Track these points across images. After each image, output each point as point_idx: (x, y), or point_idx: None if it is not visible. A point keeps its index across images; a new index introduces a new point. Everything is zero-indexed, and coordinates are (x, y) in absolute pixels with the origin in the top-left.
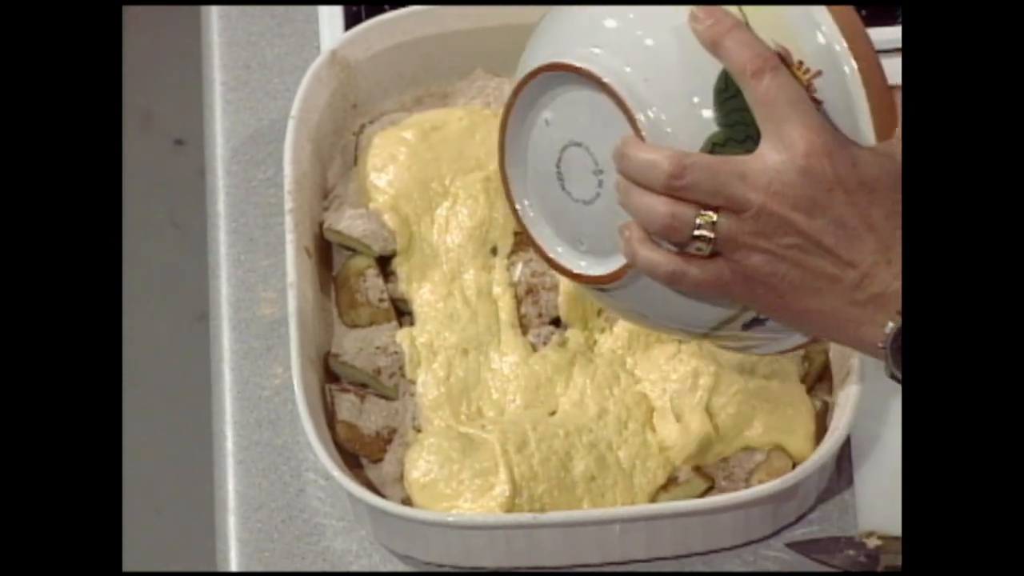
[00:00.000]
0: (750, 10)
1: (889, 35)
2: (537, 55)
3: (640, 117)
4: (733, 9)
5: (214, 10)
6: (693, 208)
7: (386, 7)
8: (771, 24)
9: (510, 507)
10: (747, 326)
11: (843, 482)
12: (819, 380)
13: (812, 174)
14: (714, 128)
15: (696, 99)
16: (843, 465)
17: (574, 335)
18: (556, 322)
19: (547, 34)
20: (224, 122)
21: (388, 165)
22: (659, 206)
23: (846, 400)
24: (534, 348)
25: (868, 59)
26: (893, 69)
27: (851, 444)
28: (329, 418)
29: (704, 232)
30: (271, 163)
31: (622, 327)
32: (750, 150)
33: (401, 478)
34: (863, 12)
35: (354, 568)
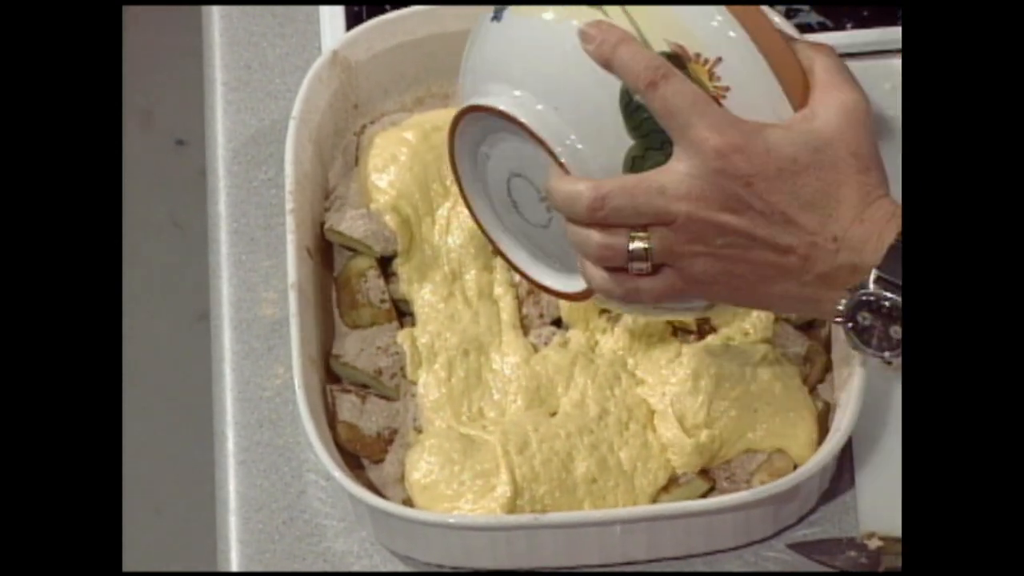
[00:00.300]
0: (638, 13)
1: (891, 35)
2: (463, 87)
3: (558, 148)
4: (622, 15)
5: (215, 10)
6: (623, 233)
7: (387, 7)
8: (662, 23)
9: (511, 508)
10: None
11: (844, 483)
12: (820, 381)
13: (727, 173)
14: (630, 142)
15: (607, 118)
16: (844, 466)
17: (575, 336)
18: (557, 323)
19: (469, 62)
20: (225, 122)
21: (389, 166)
22: (591, 237)
23: (847, 401)
24: (535, 349)
25: (764, 33)
26: (898, 69)
27: (852, 445)
28: (330, 419)
29: (639, 249)
30: (272, 163)
31: (623, 328)
32: (671, 154)
33: (402, 479)
34: (865, 12)
35: (355, 569)
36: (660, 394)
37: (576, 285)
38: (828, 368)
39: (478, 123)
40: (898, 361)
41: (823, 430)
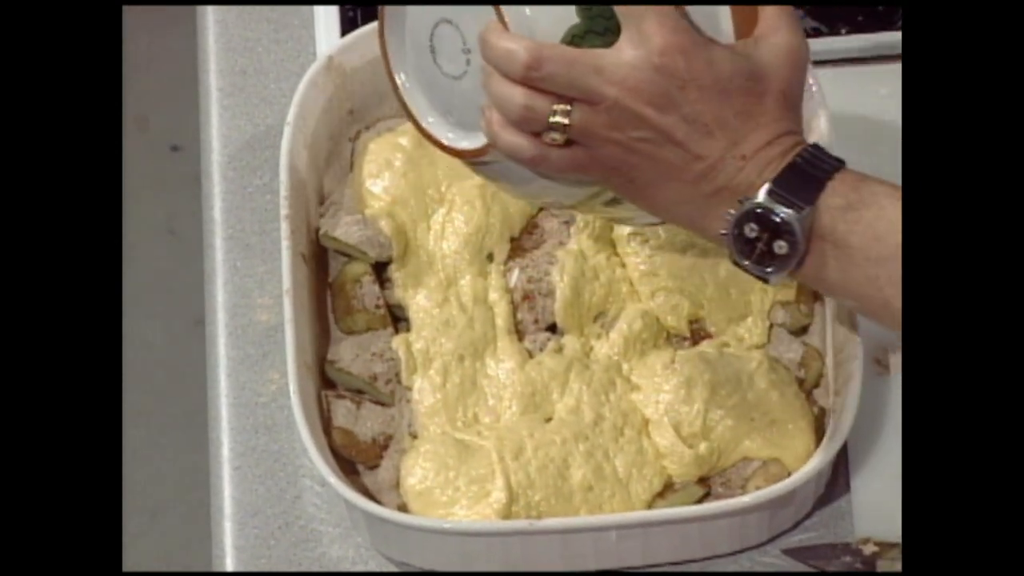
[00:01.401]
0: None
1: (886, 40)
2: None
3: (503, 5)
4: None
5: (210, 15)
6: (549, 99)
7: None
8: None
9: (507, 514)
10: (608, 203)
11: (840, 488)
12: (815, 386)
13: (666, 71)
14: (575, 19)
15: None
16: (840, 471)
17: (570, 341)
18: (552, 328)
19: None
20: (220, 128)
21: (384, 171)
22: (516, 95)
23: (843, 407)
24: (530, 354)
25: None
26: (893, 74)
27: (848, 451)
28: (325, 424)
29: (559, 122)
30: (267, 169)
31: (618, 333)
32: (609, 43)
33: (397, 485)
34: (860, 17)
35: (350, 573)
36: (654, 402)
37: (468, 142)
38: (823, 373)
39: None
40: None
41: (818, 435)
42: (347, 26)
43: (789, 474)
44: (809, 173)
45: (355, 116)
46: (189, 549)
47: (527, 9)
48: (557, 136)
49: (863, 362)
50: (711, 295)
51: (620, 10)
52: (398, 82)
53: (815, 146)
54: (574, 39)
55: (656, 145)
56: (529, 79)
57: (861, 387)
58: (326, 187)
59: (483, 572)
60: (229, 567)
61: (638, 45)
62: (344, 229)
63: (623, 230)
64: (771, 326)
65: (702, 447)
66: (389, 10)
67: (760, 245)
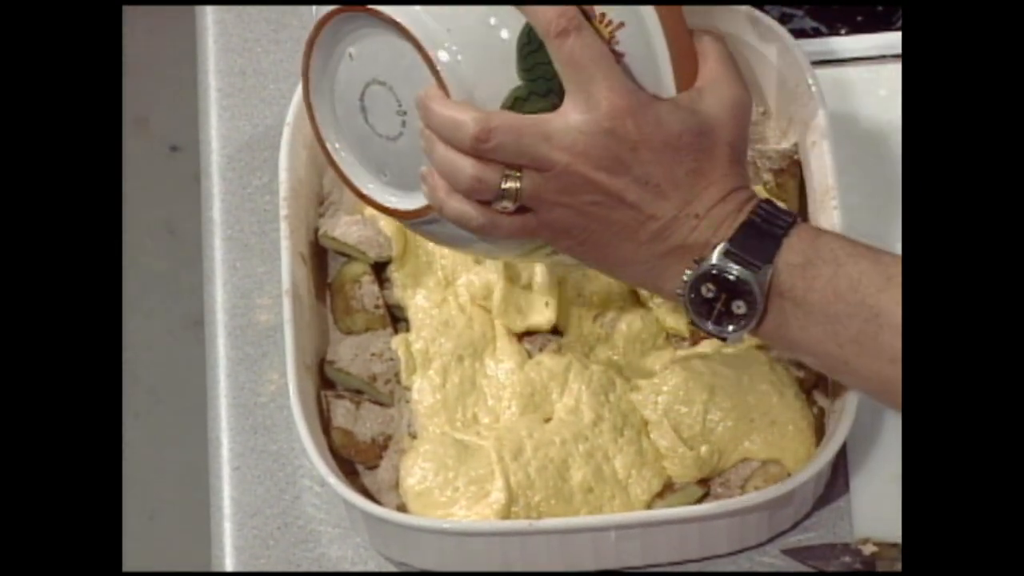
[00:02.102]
0: None
1: (885, 41)
2: None
3: (443, 71)
4: None
5: (209, 16)
6: (498, 170)
7: None
8: None
9: (506, 515)
10: (551, 253)
11: (839, 488)
12: (814, 386)
13: (616, 135)
14: (517, 82)
15: (500, 52)
16: (839, 471)
17: (569, 341)
18: (552, 328)
19: None
20: (219, 128)
21: None
22: (465, 167)
23: (842, 407)
24: (529, 354)
25: (672, 13)
26: (892, 75)
27: (847, 450)
28: (324, 425)
29: (511, 192)
30: (266, 169)
31: (618, 334)
32: (553, 104)
33: (397, 485)
34: (859, 18)
35: (349, 574)
36: (654, 402)
37: (407, 204)
38: (822, 373)
39: (356, 22)
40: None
41: (817, 435)
42: None
43: (788, 475)
44: (765, 230)
45: None
46: (188, 549)
47: (467, 72)
48: (508, 204)
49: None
50: None
51: (565, 71)
52: (330, 149)
53: (768, 202)
54: (516, 102)
55: (608, 208)
56: (478, 151)
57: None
58: (325, 187)
59: (482, 572)
60: (228, 567)
61: (586, 109)
62: (343, 229)
63: None
64: None
65: (703, 449)
66: (314, 72)
67: (718, 305)
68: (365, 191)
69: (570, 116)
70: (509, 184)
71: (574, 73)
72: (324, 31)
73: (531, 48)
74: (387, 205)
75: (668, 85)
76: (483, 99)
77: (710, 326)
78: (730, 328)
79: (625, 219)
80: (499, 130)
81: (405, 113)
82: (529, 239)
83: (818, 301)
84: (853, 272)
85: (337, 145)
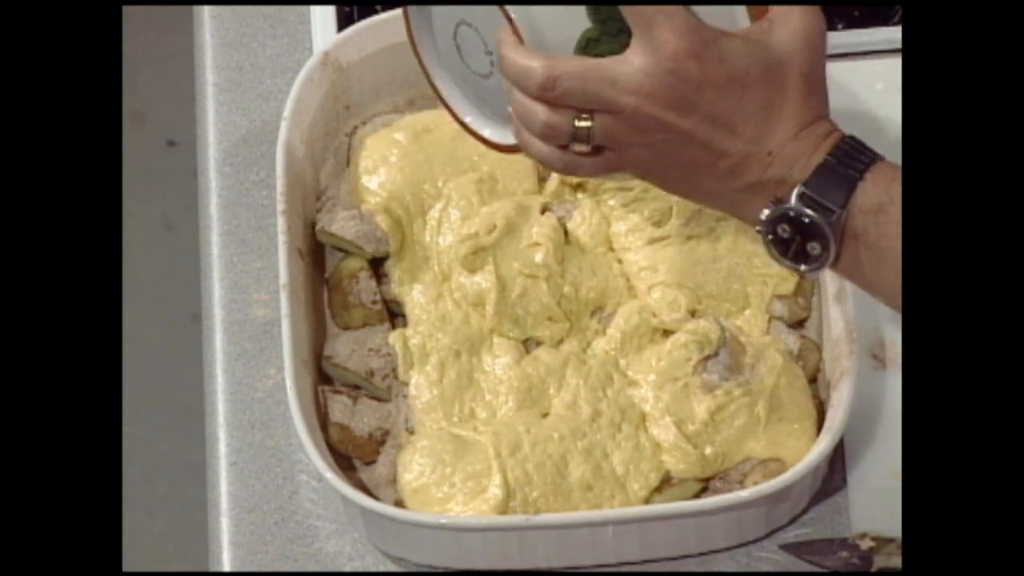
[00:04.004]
0: None
1: (883, 35)
2: None
3: (516, 14)
4: None
5: (206, 12)
6: (569, 115)
7: (378, 8)
8: None
9: (503, 510)
10: None
11: (836, 483)
12: (812, 380)
13: (680, 75)
14: (587, 23)
15: None
16: (836, 466)
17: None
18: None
19: None
20: (217, 123)
21: (380, 167)
22: (537, 112)
23: (839, 401)
24: (527, 350)
25: None
26: (889, 69)
27: (844, 445)
28: (322, 420)
29: (583, 135)
30: (264, 165)
31: (616, 329)
32: (624, 44)
33: (394, 480)
34: (856, 13)
35: (347, 570)
36: (654, 397)
37: (504, 138)
38: (819, 368)
39: None
40: (893, 358)
41: (817, 431)
42: (343, 22)
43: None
44: (840, 173)
45: (351, 111)
46: (185, 545)
47: (538, 17)
48: (583, 147)
49: (859, 357)
50: (710, 290)
51: (628, 16)
52: (436, 84)
53: (849, 139)
54: (589, 43)
55: (681, 146)
56: (546, 98)
57: (857, 382)
58: (322, 182)
59: (480, 568)
60: (226, 563)
61: (649, 52)
62: (341, 224)
63: (620, 226)
64: (769, 319)
65: (707, 449)
66: (412, 11)
67: (794, 245)
68: (466, 121)
69: (635, 59)
70: (580, 128)
71: (637, 17)
72: None
73: None
74: (486, 137)
75: (742, 18)
76: (556, 42)
77: (787, 262)
78: (805, 267)
79: (699, 156)
80: (565, 77)
81: (491, 53)
82: (612, 175)
83: (890, 247)
84: None
85: (439, 80)
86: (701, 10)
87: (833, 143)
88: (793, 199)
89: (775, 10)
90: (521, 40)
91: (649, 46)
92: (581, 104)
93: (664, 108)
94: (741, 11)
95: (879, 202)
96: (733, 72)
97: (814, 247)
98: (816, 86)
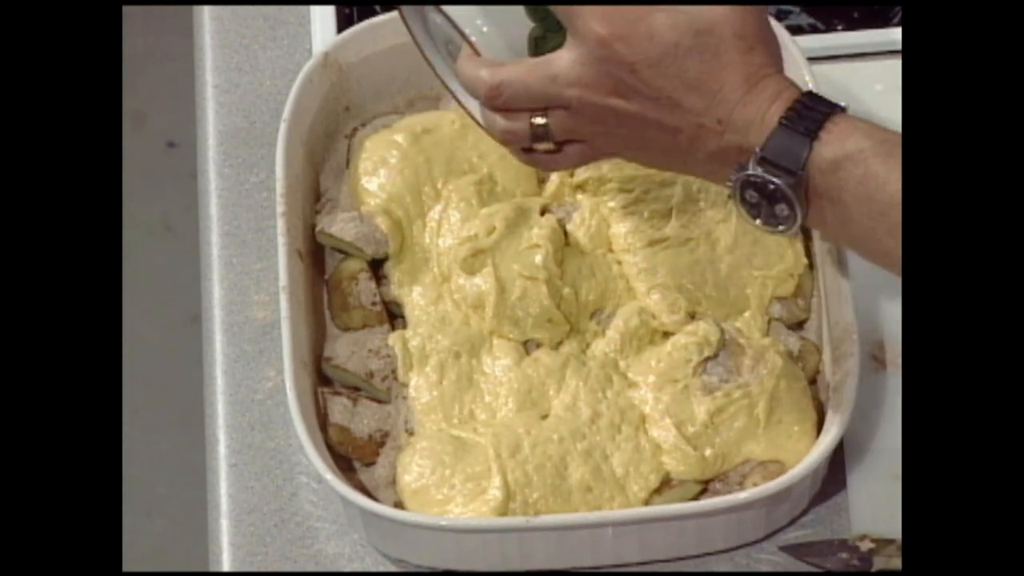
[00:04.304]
0: None
1: (882, 37)
2: None
3: (466, 29)
4: None
5: (206, 13)
6: (524, 118)
7: (378, 9)
8: None
9: (503, 512)
10: None
11: (836, 485)
12: (812, 382)
13: (612, 60)
14: (531, 24)
15: (510, 3)
16: (836, 468)
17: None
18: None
19: None
20: (216, 125)
21: (380, 168)
22: (496, 121)
23: (839, 402)
24: (527, 351)
25: None
26: (889, 71)
27: (844, 447)
28: (321, 421)
29: (540, 133)
30: (263, 166)
31: (615, 330)
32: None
33: (394, 481)
34: (855, 14)
35: (347, 571)
36: (653, 399)
37: None
38: (819, 369)
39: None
40: (894, 359)
41: (817, 433)
42: (343, 23)
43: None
44: (795, 134)
45: (351, 113)
46: (185, 546)
47: (485, 26)
48: (546, 145)
49: (860, 358)
50: (709, 292)
51: (556, 12)
52: (445, 80)
53: (803, 97)
54: (537, 42)
55: (639, 128)
56: (496, 107)
57: (858, 383)
58: (322, 184)
59: (480, 570)
60: (225, 564)
61: (580, 43)
62: (340, 226)
63: (620, 228)
64: (769, 321)
65: (707, 452)
66: (408, 16)
67: (763, 208)
68: (468, 108)
69: (569, 53)
70: (538, 127)
71: (561, 12)
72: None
73: None
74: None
75: None
76: (510, 48)
77: (760, 224)
78: (779, 228)
79: (656, 136)
80: (507, 83)
81: None
82: (595, 163)
83: (852, 201)
84: (880, 170)
85: (447, 78)
86: None
87: (786, 103)
88: (751, 165)
89: None
90: (475, 50)
91: (576, 36)
92: (530, 105)
93: (607, 95)
94: None
95: (835, 158)
96: (664, 46)
97: (782, 209)
98: (754, 42)
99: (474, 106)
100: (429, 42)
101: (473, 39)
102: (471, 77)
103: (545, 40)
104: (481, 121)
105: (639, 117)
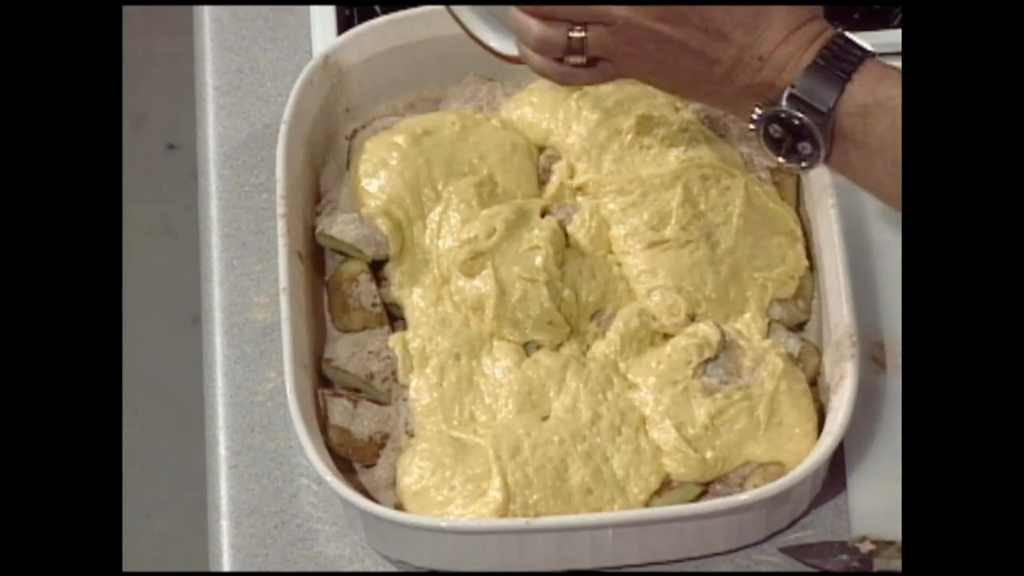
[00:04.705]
0: None
1: (882, 38)
2: None
3: None
4: None
5: (206, 15)
6: (562, 28)
7: (378, 10)
8: None
9: (503, 513)
10: None
11: (836, 487)
12: (812, 384)
13: None
14: None
15: None
16: (836, 470)
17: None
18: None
19: None
20: (217, 126)
21: (380, 170)
22: (532, 27)
23: (839, 404)
24: (527, 353)
25: None
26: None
27: (844, 449)
28: (322, 423)
29: (576, 46)
30: (264, 168)
31: (615, 332)
32: None
33: (394, 483)
34: (855, 15)
35: (346, 572)
36: (654, 400)
37: (509, 48)
38: (819, 371)
39: None
40: (894, 361)
41: (817, 435)
42: (343, 25)
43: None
44: (828, 74)
45: (351, 114)
46: (185, 548)
47: None
48: (578, 59)
49: (859, 360)
50: (709, 294)
51: None
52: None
53: (839, 37)
54: None
55: (675, 55)
56: (539, 12)
57: (857, 385)
58: (322, 185)
59: (480, 571)
60: (226, 566)
61: None
62: (340, 227)
63: (620, 229)
64: (769, 322)
65: (708, 454)
66: None
67: (785, 144)
68: (471, 29)
69: None
70: (574, 40)
71: None
72: None
73: None
74: (491, 46)
75: None
76: None
77: (781, 160)
78: (798, 164)
79: (692, 64)
80: None
81: None
82: (611, 83)
83: (877, 146)
84: None
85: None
86: None
87: (823, 44)
88: (783, 101)
89: None
90: None
91: None
92: (575, 16)
93: (656, 20)
94: None
95: (865, 103)
96: None
97: (804, 146)
98: None
99: (475, 21)
100: None
101: None
102: None
103: None
104: (491, 43)
105: (681, 44)
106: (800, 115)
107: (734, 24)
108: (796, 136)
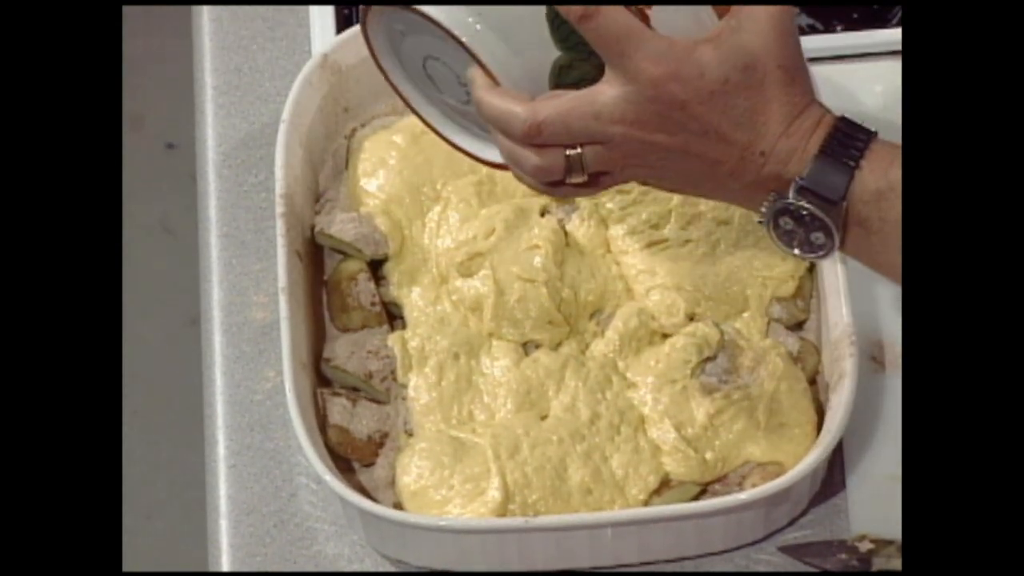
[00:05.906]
0: None
1: (882, 37)
2: None
3: (485, 57)
4: None
5: (205, 14)
6: (559, 152)
7: None
8: None
9: (502, 513)
10: None
11: (835, 485)
12: (811, 383)
13: (663, 100)
14: (556, 53)
15: (532, 28)
16: (835, 468)
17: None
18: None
19: None
20: (215, 126)
21: (379, 169)
22: (528, 157)
23: (838, 403)
24: (526, 352)
25: None
26: (888, 71)
27: (843, 447)
28: (321, 422)
29: (575, 168)
30: (262, 167)
31: (614, 331)
32: (595, 65)
33: (393, 482)
34: (855, 15)
35: (346, 572)
36: (653, 399)
37: (496, 156)
38: (818, 370)
39: (395, 8)
40: (893, 360)
41: (817, 434)
42: (342, 25)
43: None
44: (837, 164)
45: (350, 114)
46: (185, 547)
47: (506, 54)
48: (579, 178)
49: (858, 359)
50: (709, 293)
51: (598, 49)
52: (419, 112)
53: (841, 124)
54: (562, 71)
55: (677, 161)
56: (535, 143)
57: (856, 384)
58: (321, 185)
59: (479, 570)
60: (225, 565)
61: (626, 81)
62: (339, 227)
63: (619, 229)
64: (768, 321)
65: (707, 454)
66: (380, 50)
67: (798, 236)
68: (457, 142)
69: (613, 89)
70: (573, 158)
71: (607, 50)
72: (370, 14)
73: (560, 20)
74: (480, 156)
75: (707, 18)
76: (529, 75)
77: (796, 252)
78: (816, 254)
79: (695, 167)
80: (548, 122)
81: (465, 84)
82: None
83: (892, 231)
84: None
85: (421, 107)
86: (666, 10)
87: (826, 132)
88: (792, 193)
89: (739, 6)
90: (492, 77)
91: (625, 75)
92: (569, 142)
93: (653, 132)
94: (707, 10)
95: (878, 188)
96: (714, 83)
97: (818, 236)
98: (796, 74)
99: (453, 130)
100: (399, 71)
101: (491, 68)
102: (502, 112)
103: (571, 69)
104: (482, 155)
105: (682, 150)
106: (810, 206)
107: (732, 124)
108: (808, 227)
